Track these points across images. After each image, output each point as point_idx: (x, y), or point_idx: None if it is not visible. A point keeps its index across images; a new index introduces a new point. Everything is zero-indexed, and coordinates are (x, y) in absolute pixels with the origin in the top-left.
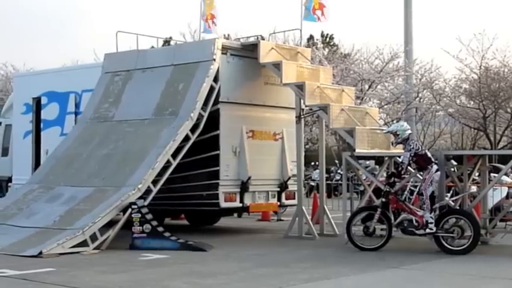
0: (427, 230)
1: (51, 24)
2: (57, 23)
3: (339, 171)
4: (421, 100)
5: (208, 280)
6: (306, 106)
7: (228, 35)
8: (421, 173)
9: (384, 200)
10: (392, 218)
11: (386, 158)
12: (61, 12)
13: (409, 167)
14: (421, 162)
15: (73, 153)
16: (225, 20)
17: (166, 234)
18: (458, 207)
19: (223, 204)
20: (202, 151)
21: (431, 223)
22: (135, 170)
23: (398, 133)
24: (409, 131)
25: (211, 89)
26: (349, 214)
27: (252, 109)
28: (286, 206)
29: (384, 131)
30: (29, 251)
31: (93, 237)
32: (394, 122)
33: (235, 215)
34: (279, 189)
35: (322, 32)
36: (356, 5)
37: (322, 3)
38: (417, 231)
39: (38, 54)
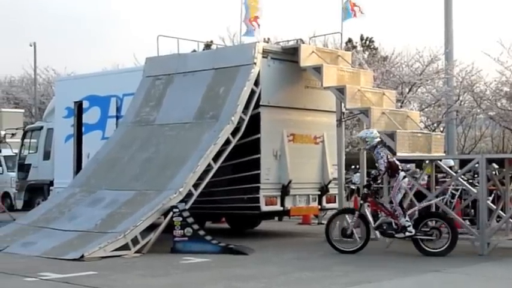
0: (407, 233)
1: (91, 28)
2: (97, 27)
3: None
4: (462, 103)
5: (250, 284)
6: (346, 109)
7: (268, 38)
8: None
9: (361, 202)
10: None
11: (427, 162)
12: (101, 17)
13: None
14: (391, 169)
15: (114, 157)
16: (264, 24)
17: (208, 237)
18: (435, 210)
19: (264, 208)
20: (243, 155)
21: (409, 226)
22: (176, 173)
23: (367, 140)
24: (378, 139)
25: (252, 92)
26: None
27: (292, 113)
28: (327, 209)
29: (356, 135)
30: (70, 254)
31: (135, 241)
32: (435, 125)
33: (276, 218)
34: (319, 192)
35: (362, 35)
36: (396, 8)
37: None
38: (397, 235)
39: (79, 59)
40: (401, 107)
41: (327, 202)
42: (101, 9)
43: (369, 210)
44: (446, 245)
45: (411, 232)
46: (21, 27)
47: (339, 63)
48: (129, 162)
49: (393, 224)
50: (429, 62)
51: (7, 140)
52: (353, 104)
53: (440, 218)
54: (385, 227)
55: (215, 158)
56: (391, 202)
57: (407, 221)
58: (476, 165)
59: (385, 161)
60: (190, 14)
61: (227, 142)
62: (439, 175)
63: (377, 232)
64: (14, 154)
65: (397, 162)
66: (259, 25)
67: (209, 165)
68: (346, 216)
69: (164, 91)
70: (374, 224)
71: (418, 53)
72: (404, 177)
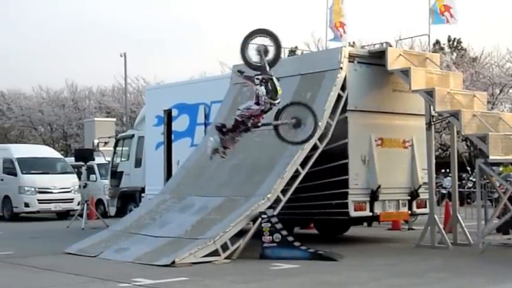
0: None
1: (179, 38)
2: (184, 36)
3: (470, 178)
4: None
5: None
6: (436, 112)
7: (353, 42)
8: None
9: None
10: None
11: None
12: (187, 26)
13: None
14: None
15: (203, 164)
16: (349, 27)
17: (296, 243)
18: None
19: (353, 213)
20: (330, 160)
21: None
22: (264, 179)
23: (215, 147)
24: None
25: (339, 97)
26: (483, 223)
27: (380, 117)
28: (417, 214)
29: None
30: (162, 260)
31: (224, 247)
32: None
33: (365, 224)
34: (409, 197)
35: (449, 36)
36: (485, 7)
37: (448, 5)
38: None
39: (167, 68)
40: (492, 108)
41: (417, 207)
42: (187, 18)
43: None
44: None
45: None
46: (112, 39)
47: (427, 65)
48: (217, 168)
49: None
50: None
51: (100, 148)
52: (442, 106)
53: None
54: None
55: (302, 164)
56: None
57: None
58: None
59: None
60: (274, 20)
61: (314, 147)
62: None
63: (469, 237)
64: (107, 162)
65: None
66: (344, 31)
67: (297, 171)
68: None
69: (251, 98)
70: None
71: (510, 53)
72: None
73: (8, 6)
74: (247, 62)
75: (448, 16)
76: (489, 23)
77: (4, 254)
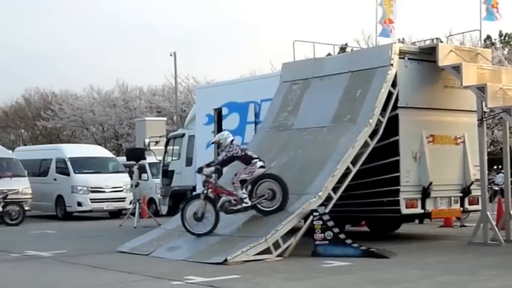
0: (243, 205)
1: (229, 37)
2: (233, 36)
3: None
4: None
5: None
6: (488, 108)
7: (403, 39)
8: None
9: (203, 188)
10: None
11: None
12: (237, 26)
13: None
14: (243, 161)
15: None
16: (398, 24)
17: (348, 241)
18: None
19: (405, 211)
20: (381, 157)
21: (245, 198)
22: (315, 177)
23: (221, 142)
24: (231, 138)
25: (390, 94)
26: None
27: (431, 113)
28: (470, 211)
29: (211, 142)
30: (214, 259)
31: (276, 245)
32: None
33: (417, 221)
34: (461, 194)
35: (500, 31)
36: None
37: (497, 1)
38: (235, 208)
39: (217, 67)
40: None
41: (470, 204)
42: (237, 17)
43: (212, 195)
44: (279, 203)
45: (247, 203)
46: (162, 38)
47: (478, 61)
48: (267, 167)
49: (232, 201)
50: None
51: (151, 148)
52: (495, 102)
53: (270, 179)
54: (226, 205)
55: (353, 161)
56: (235, 175)
57: (243, 193)
58: None
59: (227, 157)
60: (324, 17)
61: (365, 145)
62: None
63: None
64: (158, 161)
65: (250, 154)
66: (393, 27)
67: (348, 168)
68: (197, 201)
69: (301, 96)
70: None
71: None
72: (262, 167)
73: (61, 7)
74: None
75: (495, 12)
76: None
77: (58, 252)
